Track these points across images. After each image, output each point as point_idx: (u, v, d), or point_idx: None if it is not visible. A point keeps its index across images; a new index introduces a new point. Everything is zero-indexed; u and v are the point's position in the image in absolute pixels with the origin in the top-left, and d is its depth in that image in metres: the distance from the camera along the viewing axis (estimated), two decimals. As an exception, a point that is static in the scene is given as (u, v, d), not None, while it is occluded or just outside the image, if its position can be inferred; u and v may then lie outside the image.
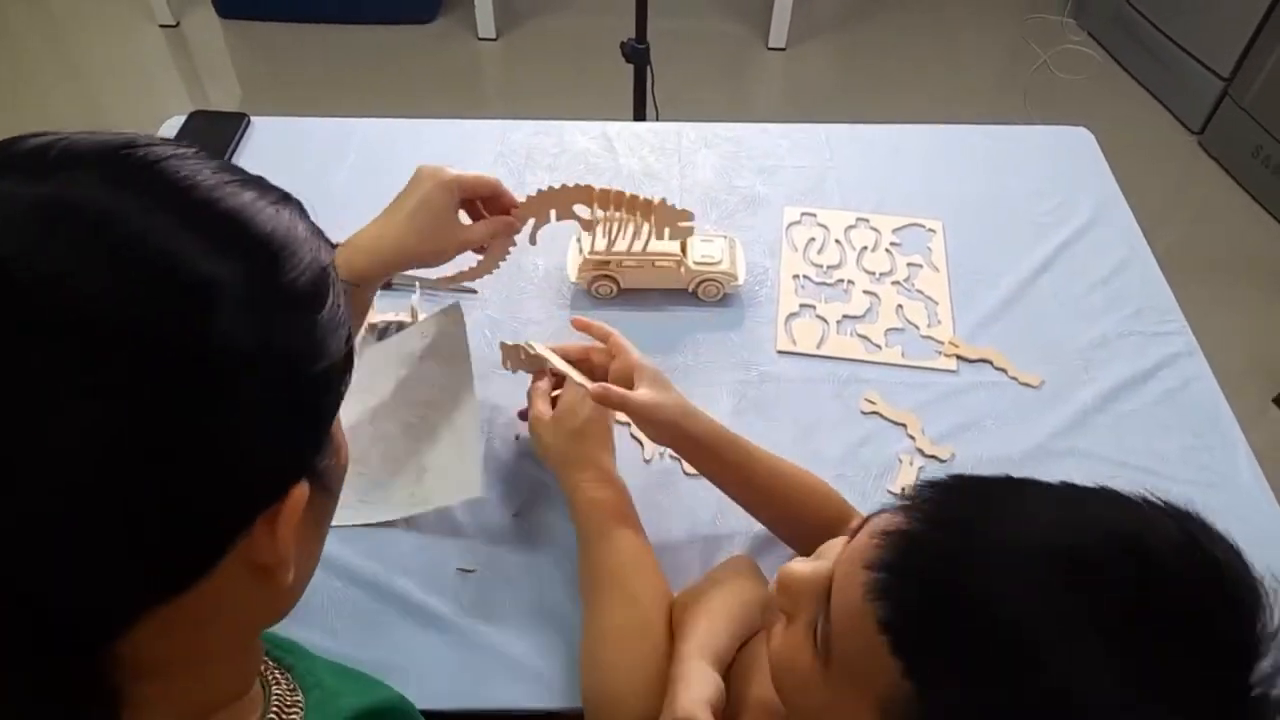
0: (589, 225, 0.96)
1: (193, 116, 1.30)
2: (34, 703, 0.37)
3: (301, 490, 0.42)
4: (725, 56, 2.88)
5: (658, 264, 1.07)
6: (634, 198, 0.94)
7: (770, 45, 2.85)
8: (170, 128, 1.28)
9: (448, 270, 0.94)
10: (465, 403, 0.92)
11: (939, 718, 0.44)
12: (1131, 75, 2.78)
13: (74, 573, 0.35)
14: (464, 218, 0.88)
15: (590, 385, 0.82)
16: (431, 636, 0.83)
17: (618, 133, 1.31)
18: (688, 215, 0.95)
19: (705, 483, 0.93)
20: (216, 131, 1.27)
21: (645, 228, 0.97)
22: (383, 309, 1.05)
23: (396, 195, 0.84)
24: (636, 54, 1.74)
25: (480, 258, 0.95)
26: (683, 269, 1.07)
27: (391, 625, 0.83)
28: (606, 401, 0.81)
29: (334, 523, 0.83)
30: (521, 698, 0.80)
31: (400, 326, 1.03)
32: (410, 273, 1.09)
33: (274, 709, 0.49)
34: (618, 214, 0.96)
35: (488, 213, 0.90)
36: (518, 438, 0.97)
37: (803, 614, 0.53)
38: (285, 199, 0.43)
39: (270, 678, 0.52)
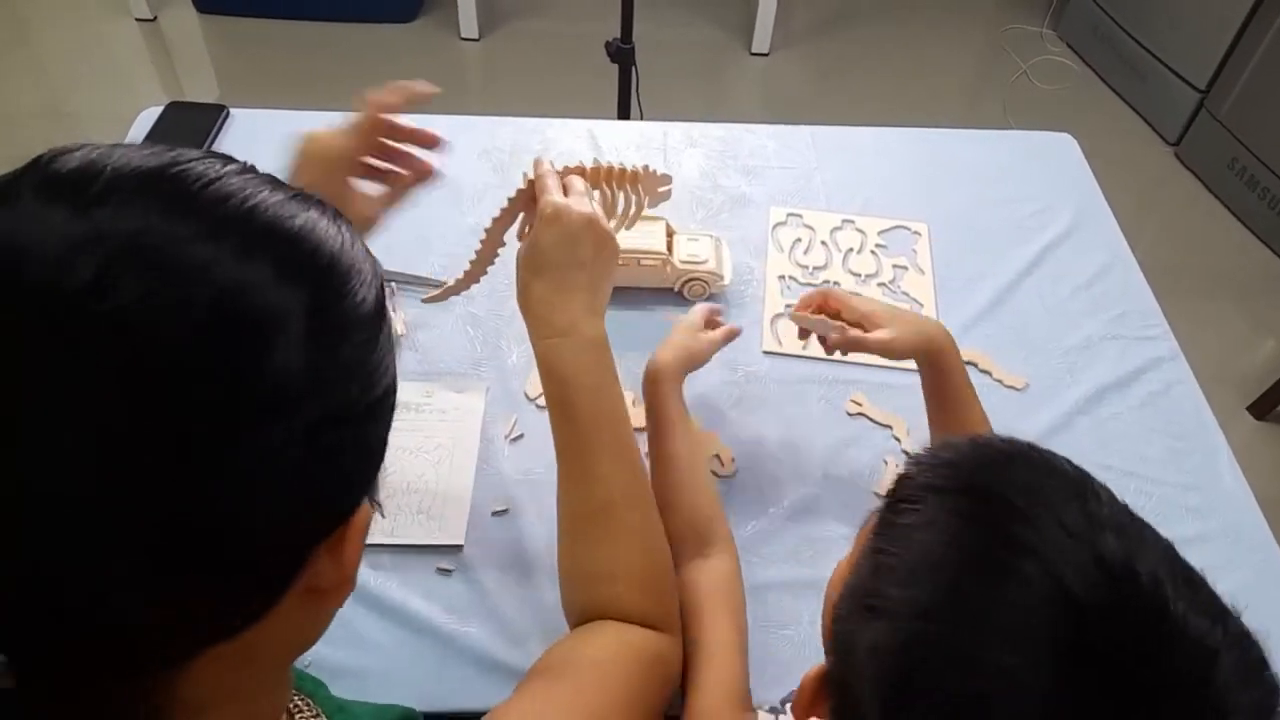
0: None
1: (169, 108, 1.28)
2: None
3: (366, 510, 0.41)
4: (707, 61, 2.88)
5: (643, 262, 1.06)
6: (622, 171, 0.89)
7: (753, 51, 2.85)
8: (147, 119, 1.26)
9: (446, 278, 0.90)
10: (463, 460, 0.92)
11: None
12: (1109, 86, 2.80)
13: (144, 603, 0.34)
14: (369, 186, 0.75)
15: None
16: (410, 637, 0.81)
17: (604, 131, 1.30)
18: (667, 180, 0.92)
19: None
20: (194, 123, 1.25)
21: (633, 199, 0.92)
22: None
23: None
24: (622, 54, 1.73)
25: (468, 267, 0.89)
26: (669, 268, 1.06)
27: (369, 627, 0.81)
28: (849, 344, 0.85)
29: None
30: (498, 699, 0.78)
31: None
32: (387, 268, 1.07)
33: None
34: (609, 190, 0.91)
35: (398, 158, 0.76)
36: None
37: None
38: (339, 215, 0.41)
39: (293, 705, 0.50)
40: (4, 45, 2.76)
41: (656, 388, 0.86)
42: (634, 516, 0.72)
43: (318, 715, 0.51)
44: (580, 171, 0.88)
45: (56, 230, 0.33)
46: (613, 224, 0.90)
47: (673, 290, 1.09)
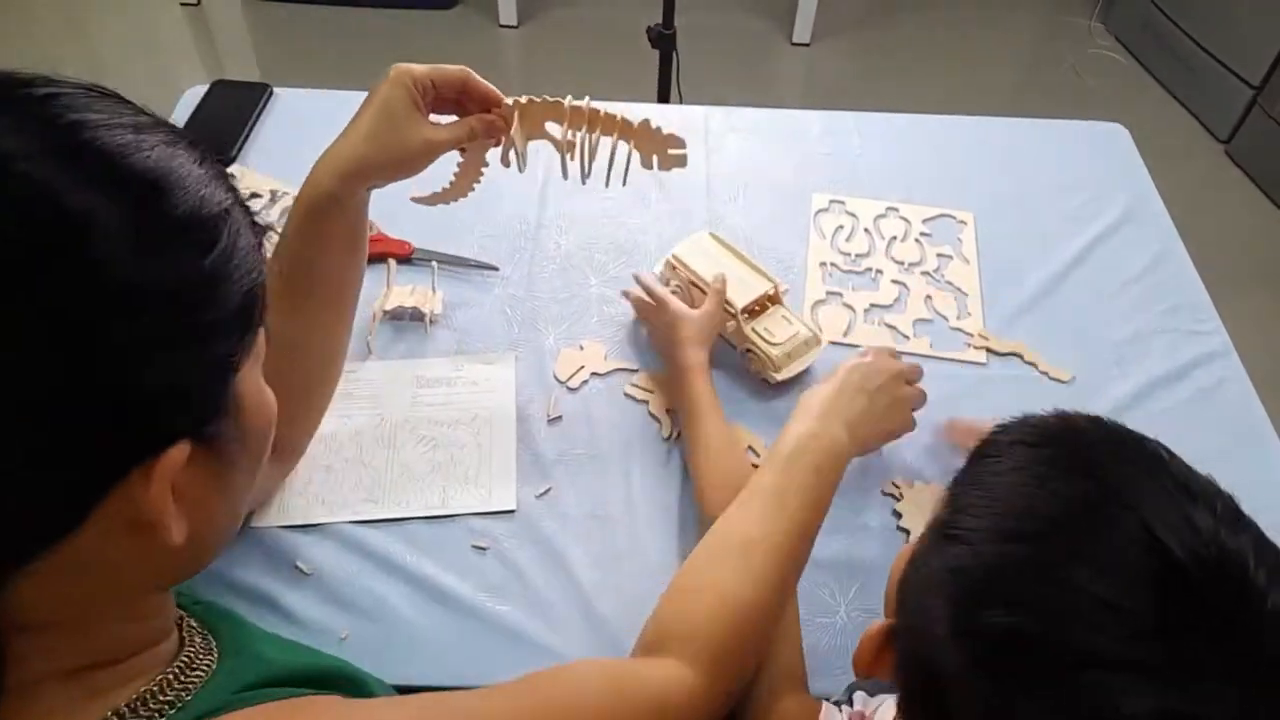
0: (563, 146, 0.85)
1: (215, 86, 1.29)
2: None
3: (180, 450, 0.40)
4: (748, 51, 2.85)
5: (696, 291, 0.99)
6: (610, 117, 0.84)
7: (794, 40, 2.83)
8: (193, 97, 1.27)
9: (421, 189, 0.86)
10: (503, 426, 0.93)
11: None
12: (1159, 81, 2.74)
13: None
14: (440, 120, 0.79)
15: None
16: (445, 614, 0.81)
17: (643, 114, 1.29)
18: (677, 141, 0.85)
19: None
20: (239, 101, 1.25)
21: (622, 147, 0.85)
22: (402, 285, 1.03)
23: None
24: (663, 40, 1.72)
25: (453, 180, 0.87)
26: (732, 324, 0.97)
27: (404, 602, 0.81)
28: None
29: (336, 519, 0.82)
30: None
31: (415, 312, 1.01)
32: (427, 248, 1.07)
33: (178, 665, 0.47)
34: (594, 134, 0.85)
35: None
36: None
37: None
38: (191, 144, 0.43)
39: (187, 638, 0.50)
40: (53, 30, 2.81)
41: (693, 370, 0.86)
42: (780, 565, 0.70)
43: (210, 652, 0.50)
44: (556, 107, 0.83)
45: None
46: (586, 171, 0.85)
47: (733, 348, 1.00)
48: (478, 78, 0.79)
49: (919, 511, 0.88)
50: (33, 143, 0.37)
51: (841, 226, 1.16)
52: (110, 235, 0.37)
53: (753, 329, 0.96)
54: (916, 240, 1.15)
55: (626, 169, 0.85)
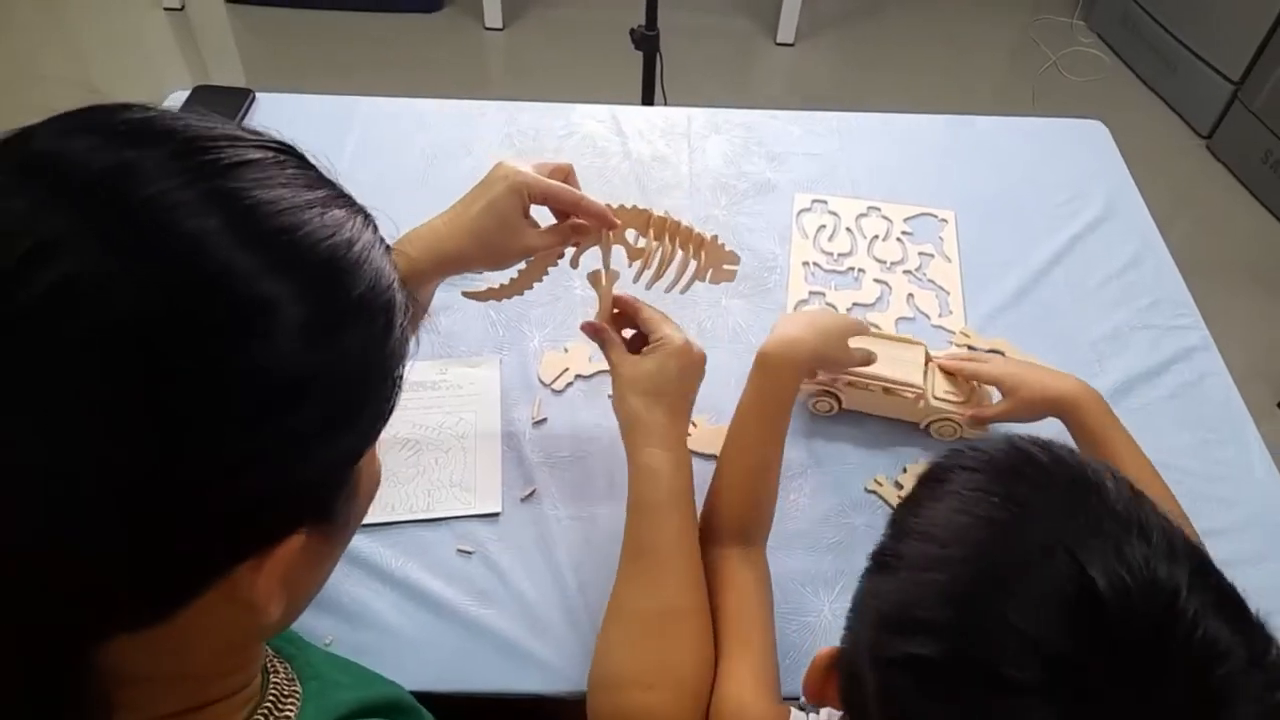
0: (637, 255, 0.85)
1: (196, 91, 1.28)
2: (30, 703, 0.37)
3: (296, 541, 0.39)
4: (732, 51, 2.86)
5: (891, 390, 0.92)
6: (689, 231, 0.84)
7: (778, 41, 2.83)
8: (174, 103, 1.27)
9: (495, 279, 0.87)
10: (488, 428, 0.92)
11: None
12: (1140, 78, 2.76)
13: (53, 590, 0.34)
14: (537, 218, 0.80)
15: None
16: (430, 618, 0.81)
17: (627, 117, 1.30)
18: (735, 258, 0.86)
19: (711, 468, 0.92)
20: (220, 107, 1.25)
21: (691, 264, 0.86)
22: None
23: (468, 192, 0.78)
24: (646, 41, 1.73)
25: (515, 276, 0.87)
26: (921, 403, 0.92)
27: (389, 606, 0.81)
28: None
29: None
30: (518, 682, 0.78)
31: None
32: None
33: (270, 698, 0.48)
34: (668, 246, 0.85)
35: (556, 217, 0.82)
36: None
37: None
38: (363, 213, 0.42)
39: (270, 666, 0.51)
40: (38, 34, 2.79)
41: (782, 375, 0.79)
42: (696, 625, 0.70)
43: (292, 679, 0.51)
44: (643, 216, 0.83)
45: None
46: (657, 280, 0.85)
47: (917, 426, 0.95)
48: (591, 200, 0.79)
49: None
50: (217, 222, 0.35)
51: (824, 226, 1.16)
52: (288, 325, 0.35)
53: (937, 400, 0.92)
54: (898, 239, 1.15)
55: (691, 281, 0.86)
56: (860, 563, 0.51)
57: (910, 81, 2.75)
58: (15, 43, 2.74)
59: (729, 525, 0.77)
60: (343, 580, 0.82)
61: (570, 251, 0.84)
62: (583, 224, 0.81)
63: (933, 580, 0.42)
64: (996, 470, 0.46)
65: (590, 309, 1.04)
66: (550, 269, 0.86)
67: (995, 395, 0.92)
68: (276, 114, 1.27)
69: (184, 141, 0.37)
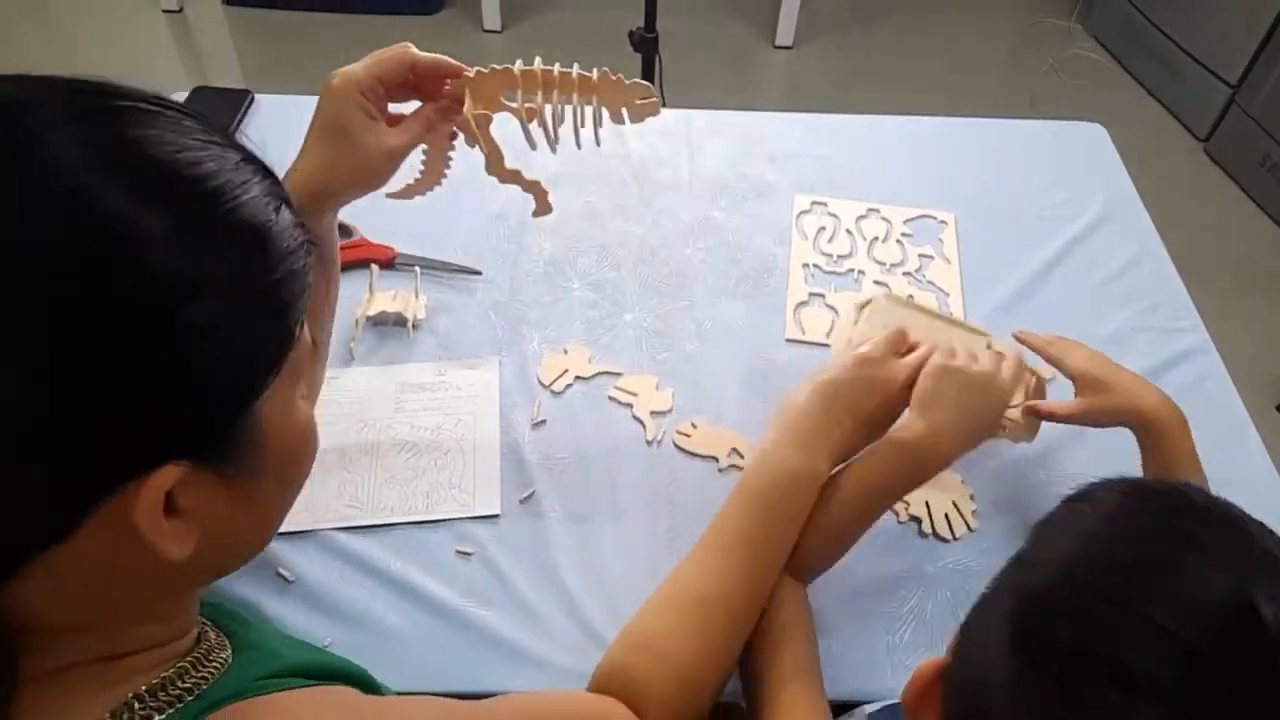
0: (528, 115, 0.78)
1: (195, 93, 1.29)
2: None
3: (168, 472, 0.39)
4: (731, 54, 2.86)
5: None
6: (567, 76, 0.76)
7: (776, 43, 2.84)
8: (172, 103, 1.26)
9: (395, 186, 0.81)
10: (487, 430, 0.92)
11: None
12: (1138, 81, 2.77)
13: None
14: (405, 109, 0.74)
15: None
16: (429, 620, 0.81)
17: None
18: (644, 89, 0.77)
19: (710, 469, 0.92)
20: (219, 108, 1.25)
21: (587, 110, 0.78)
22: (384, 290, 1.03)
23: None
24: (645, 43, 1.73)
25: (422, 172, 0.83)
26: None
27: (388, 608, 0.81)
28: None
29: (319, 526, 0.81)
30: (517, 683, 0.78)
31: (398, 317, 1.01)
32: (410, 253, 1.07)
33: (195, 654, 0.48)
34: (555, 97, 0.77)
35: (427, 100, 0.76)
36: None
37: None
38: (250, 159, 0.44)
39: (203, 634, 0.50)
40: (34, 36, 2.79)
41: (925, 471, 0.73)
42: (735, 626, 0.69)
43: (224, 647, 0.50)
44: (508, 75, 0.76)
45: None
46: (554, 139, 0.78)
47: None
48: (421, 53, 0.73)
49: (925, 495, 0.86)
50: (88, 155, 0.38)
51: (823, 228, 1.16)
52: (153, 240, 0.37)
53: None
54: (898, 241, 1.15)
55: (597, 128, 0.79)
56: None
57: (908, 85, 2.76)
58: (12, 44, 2.74)
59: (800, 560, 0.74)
60: (340, 581, 0.82)
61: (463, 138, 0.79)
62: (442, 104, 0.75)
63: (1086, 576, 0.41)
64: (1155, 496, 0.45)
65: (590, 309, 1.05)
66: (451, 154, 0.81)
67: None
68: (276, 115, 1.27)
69: (86, 87, 0.41)
